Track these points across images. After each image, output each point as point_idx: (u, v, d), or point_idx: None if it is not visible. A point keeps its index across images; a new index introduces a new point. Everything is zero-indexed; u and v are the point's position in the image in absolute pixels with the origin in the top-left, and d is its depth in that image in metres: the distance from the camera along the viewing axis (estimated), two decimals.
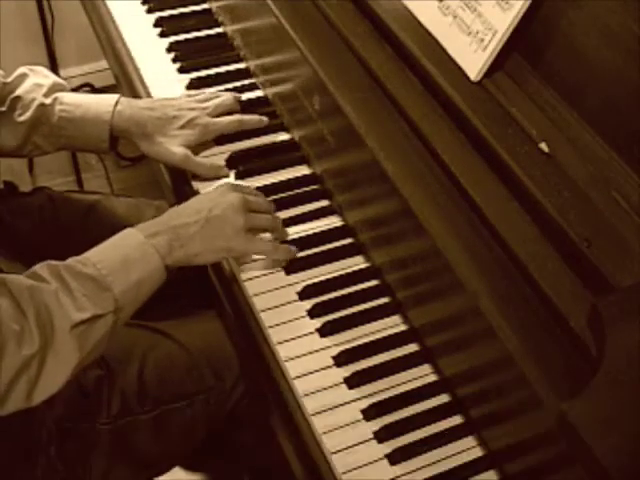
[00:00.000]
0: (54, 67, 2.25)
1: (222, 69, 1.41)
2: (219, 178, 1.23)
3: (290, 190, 1.22)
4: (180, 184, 1.25)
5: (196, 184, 1.23)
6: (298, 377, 1.00)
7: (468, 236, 0.93)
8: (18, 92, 1.25)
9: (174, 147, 1.23)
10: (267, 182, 1.22)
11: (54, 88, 1.26)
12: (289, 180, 1.23)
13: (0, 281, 0.92)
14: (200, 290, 1.22)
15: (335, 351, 1.03)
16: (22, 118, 1.24)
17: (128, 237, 1.03)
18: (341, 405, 0.98)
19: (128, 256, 1.01)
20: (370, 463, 0.94)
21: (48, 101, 1.24)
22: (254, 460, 1.32)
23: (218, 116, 1.27)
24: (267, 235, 1.14)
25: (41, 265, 0.98)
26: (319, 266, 1.12)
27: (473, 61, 1.02)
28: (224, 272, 1.12)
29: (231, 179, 1.23)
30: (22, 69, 1.28)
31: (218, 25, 1.49)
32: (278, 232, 1.14)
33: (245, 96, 1.35)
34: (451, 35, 1.05)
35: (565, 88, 0.96)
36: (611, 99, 0.92)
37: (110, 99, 1.25)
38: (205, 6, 1.53)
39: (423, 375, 1.02)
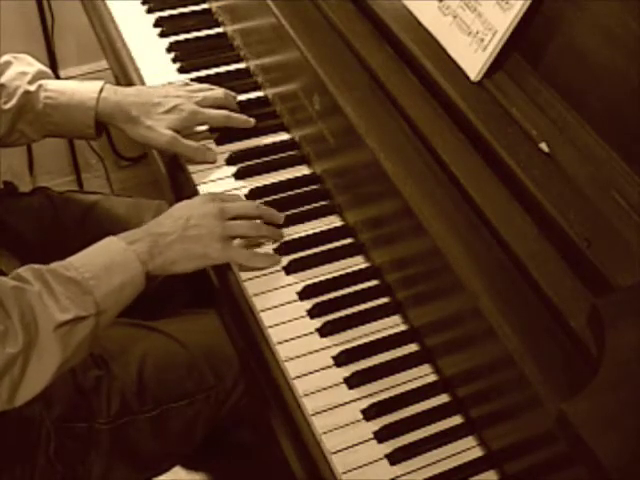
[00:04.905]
0: (54, 67, 2.24)
1: (222, 69, 1.41)
2: (208, 162, 1.23)
3: (290, 190, 1.21)
4: (180, 183, 1.25)
5: (196, 178, 1.23)
6: (298, 377, 1.00)
7: (468, 236, 0.93)
8: (2, 80, 1.25)
9: (161, 129, 1.22)
10: (267, 182, 1.22)
11: (38, 76, 1.26)
12: (289, 180, 1.23)
13: None
14: (200, 290, 1.22)
15: (335, 351, 1.03)
16: (7, 106, 1.24)
17: (110, 244, 1.04)
18: (341, 405, 0.98)
19: (110, 261, 1.01)
20: (370, 463, 0.94)
21: (32, 88, 1.24)
22: (254, 460, 1.32)
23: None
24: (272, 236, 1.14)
25: (24, 268, 0.98)
26: (319, 266, 1.12)
27: (473, 61, 1.02)
28: (224, 272, 1.12)
29: (225, 171, 1.23)
30: (6, 57, 1.28)
31: (218, 25, 1.49)
32: (266, 236, 1.13)
33: (245, 96, 1.35)
34: (451, 35, 1.05)
35: (565, 88, 0.96)
36: (611, 99, 0.92)
37: (95, 86, 1.25)
38: (205, 6, 1.53)
39: (423, 375, 1.02)
